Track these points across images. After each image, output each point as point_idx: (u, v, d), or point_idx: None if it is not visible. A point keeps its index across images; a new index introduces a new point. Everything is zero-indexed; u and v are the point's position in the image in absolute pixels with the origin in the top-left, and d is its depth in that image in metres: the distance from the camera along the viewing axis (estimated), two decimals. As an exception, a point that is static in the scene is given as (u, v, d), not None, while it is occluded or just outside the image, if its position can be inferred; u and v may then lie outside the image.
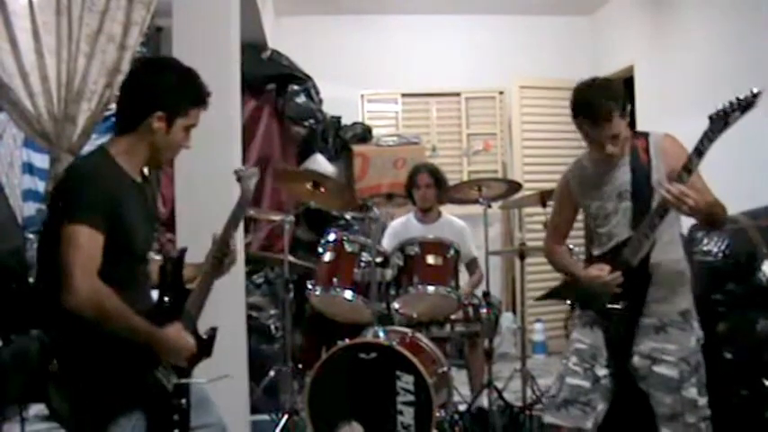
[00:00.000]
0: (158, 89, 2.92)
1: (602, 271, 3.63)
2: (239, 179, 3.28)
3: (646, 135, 3.71)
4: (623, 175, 3.65)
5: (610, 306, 3.65)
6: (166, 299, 2.94)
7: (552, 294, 4.05)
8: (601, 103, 3.51)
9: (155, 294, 3.01)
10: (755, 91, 3.16)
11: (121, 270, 2.79)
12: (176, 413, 2.87)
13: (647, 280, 3.58)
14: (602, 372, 3.66)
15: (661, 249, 3.57)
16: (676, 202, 3.26)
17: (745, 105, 3.17)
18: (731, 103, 3.19)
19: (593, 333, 3.74)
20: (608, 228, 3.72)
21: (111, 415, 2.73)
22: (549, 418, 3.76)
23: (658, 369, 3.58)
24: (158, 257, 3.10)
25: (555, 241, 4.06)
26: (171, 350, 2.84)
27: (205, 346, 3.01)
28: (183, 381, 2.90)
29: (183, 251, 3.03)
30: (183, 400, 2.90)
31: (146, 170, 3.12)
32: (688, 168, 3.26)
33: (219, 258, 3.10)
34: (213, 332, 3.05)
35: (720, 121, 3.19)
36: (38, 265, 2.88)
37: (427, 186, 6.10)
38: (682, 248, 3.73)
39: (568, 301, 4.22)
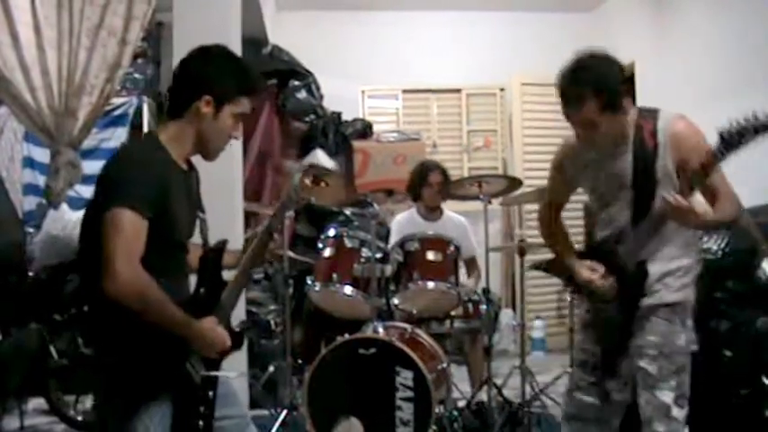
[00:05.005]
0: (208, 73, 2.91)
1: (594, 273, 3.41)
2: (286, 174, 3.28)
3: (654, 114, 3.36)
4: (624, 163, 3.34)
5: (601, 305, 3.48)
6: (202, 290, 2.93)
7: (543, 267, 3.90)
8: (570, 85, 3.29)
9: (193, 282, 3.01)
10: None
11: (162, 258, 2.76)
12: (202, 404, 2.87)
13: (641, 283, 3.34)
14: (610, 385, 3.49)
15: (661, 252, 3.34)
16: (675, 217, 3.10)
17: (761, 127, 2.83)
18: (747, 123, 2.84)
19: (591, 336, 3.58)
20: (607, 214, 3.49)
21: (141, 402, 2.73)
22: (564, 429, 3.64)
23: (640, 362, 3.35)
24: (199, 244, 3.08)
25: (550, 209, 3.76)
26: (205, 343, 2.83)
27: (237, 339, 3.00)
28: (212, 373, 2.91)
29: (224, 243, 3.02)
30: (210, 392, 2.90)
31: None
32: (691, 185, 3.04)
33: (261, 250, 3.10)
34: (245, 325, 3.05)
35: (733, 141, 2.87)
36: (79, 247, 2.85)
37: (439, 185, 6.08)
38: (687, 252, 3.41)
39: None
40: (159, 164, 2.80)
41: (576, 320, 3.75)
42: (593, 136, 3.30)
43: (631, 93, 8.28)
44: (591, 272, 3.44)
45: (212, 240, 3.06)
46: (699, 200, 3.11)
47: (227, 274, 3.07)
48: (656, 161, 3.27)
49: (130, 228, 2.62)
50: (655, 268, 3.34)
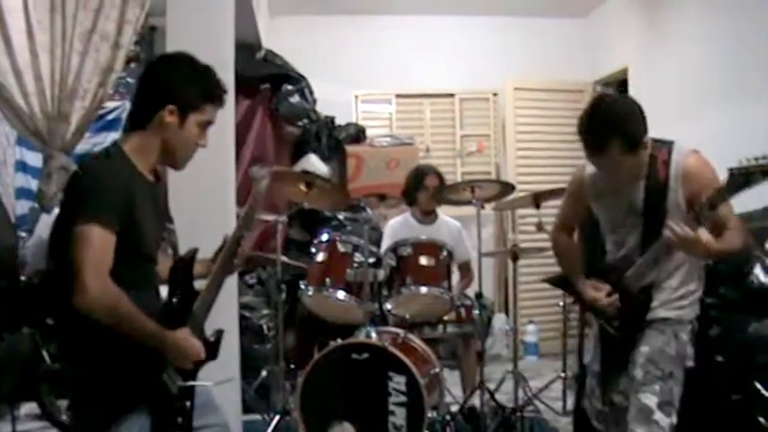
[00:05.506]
0: (171, 82, 2.88)
1: (599, 292, 3.53)
2: (252, 180, 3.25)
3: (669, 146, 3.40)
4: (636, 191, 3.42)
5: (605, 324, 3.59)
6: (175, 300, 2.92)
7: (556, 282, 3.98)
8: (593, 131, 3.29)
9: (164, 293, 3.00)
10: None
11: (130, 270, 2.76)
12: (180, 415, 2.86)
13: (645, 307, 3.43)
14: (617, 398, 3.57)
15: (666, 283, 3.44)
16: (680, 246, 3.16)
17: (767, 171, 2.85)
18: (756, 165, 2.86)
19: (599, 351, 3.69)
20: (616, 237, 3.60)
21: (116, 415, 2.72)
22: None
23: (631, 371, 3.43)
24: (169, 254, 3.07)
25: (562, 231, 3.87)
26: (179, 354, 2.82)
27: (211, 349, 2.99)
28: (189, 383, 2.90)
29: (194, 252, 3.01)
30: (188, 403, 2.89)
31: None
32: (698, 217, 3.07)
33: (231, 258, 3.09)
34: (219, 334, 3.03)
35: (740, 180, 2.90)
36: (48, 262, 2.85)
37: (435, 189, 6.08)
38: (690, 279, 3.50)
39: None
40: (124, 176, 2.78)
41: (588, 333, 3.83)
42: (615, 175, 3.39)
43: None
44: (596, 290, 3.55)
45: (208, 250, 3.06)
46: (704, 230, 3.13)
47: (200, 284, 3.06)
48: (667, 192, 3.34)
49: (98, 242, 2.62)
50: (661, 296, 3.44)
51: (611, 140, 3.21)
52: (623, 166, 3.30)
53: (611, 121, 3.25)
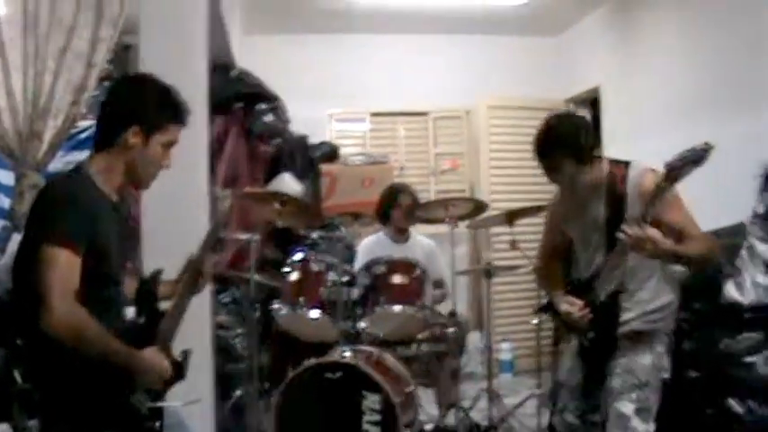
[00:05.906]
0: (135, 103, 2.89)
1: (572, 306, 3.64)
2: (214, 201, 3.26)
3: (626, 164, 3.62)
4: (598, 208, 3.62)
5: (583, 337, 3.70)
6: (141, 320, 2.91)
7: (544, 310, 4.12)
8: (546, 153, 3.63)
9: (130, 314, 2.99)
10: (707, 145, 3.03)
11: (96, 291, 2.75)
12: None
13: (616, 315, 3.56)
14: (594, 417, 3.68)
15: (634, 283, 3.57)
16: (634, 247, 3.30)
17: (695, 160, 3.04)
18: (684, 157, 3.07)
19: (578, 365, 3.78)
20: (587, 255, 3.75)
21: None
22: None
23: (608, 383, 3.57)
24: (134, 277, 3.07)
25: (543, 259, 4.10)
26: (147, 373, 2.80)
27: (179, 369, 2.98)
28: (158, 404, 2.88)
29: (159, 272, 3.01)
30: (157, 423, 2.87)
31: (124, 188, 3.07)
32: (644, 217, 3.26)
33: (195, 278, 3.08)
34: (186, 354, 3.03)
35: (674, 174, 3.11)
36: (13, 286, 2.84)
37: (408, 207, 6.10)
38: (662, 292, 3.64)
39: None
40: (89, 198, 2.79)
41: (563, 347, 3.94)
42: (574, 187, 3.63)
43: (597, 116, 8.39)
44: (569, 305, 3.66)
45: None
46: (652, 229, 3.28)
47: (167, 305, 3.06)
48: (625, 208, 3.50)
49: (64, 264, 2.62)
50: (634, 310, 3.57)
51: (564, 160, 3.54)
52: (579, 180, 3.58)
53: (560, 142, 3.58)
